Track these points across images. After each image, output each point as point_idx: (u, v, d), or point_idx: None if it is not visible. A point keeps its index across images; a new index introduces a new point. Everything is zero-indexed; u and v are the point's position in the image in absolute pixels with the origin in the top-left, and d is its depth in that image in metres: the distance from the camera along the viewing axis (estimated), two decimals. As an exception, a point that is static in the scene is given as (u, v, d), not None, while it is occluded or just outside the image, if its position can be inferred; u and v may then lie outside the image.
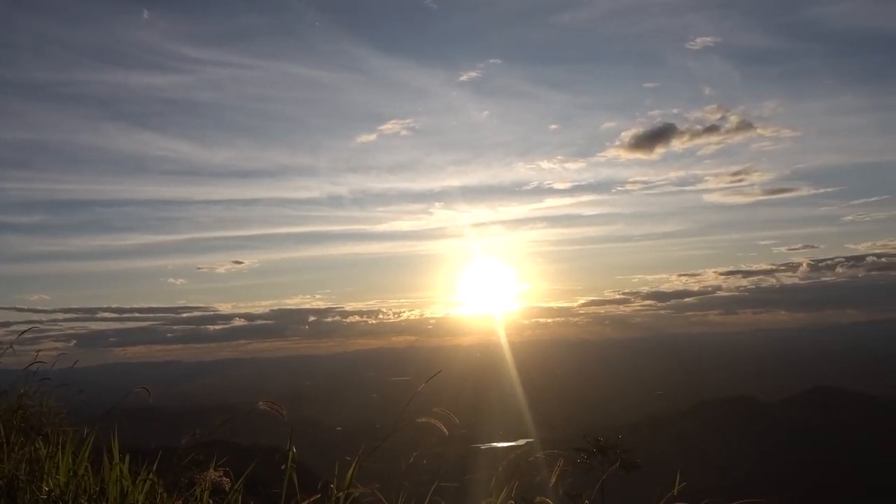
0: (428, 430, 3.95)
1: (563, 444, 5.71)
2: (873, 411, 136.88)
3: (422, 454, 4.40)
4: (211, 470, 3.77)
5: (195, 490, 3.77)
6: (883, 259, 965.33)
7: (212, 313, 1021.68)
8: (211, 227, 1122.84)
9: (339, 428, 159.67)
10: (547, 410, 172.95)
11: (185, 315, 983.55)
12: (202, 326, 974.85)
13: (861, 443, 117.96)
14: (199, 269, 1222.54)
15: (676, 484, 3.64)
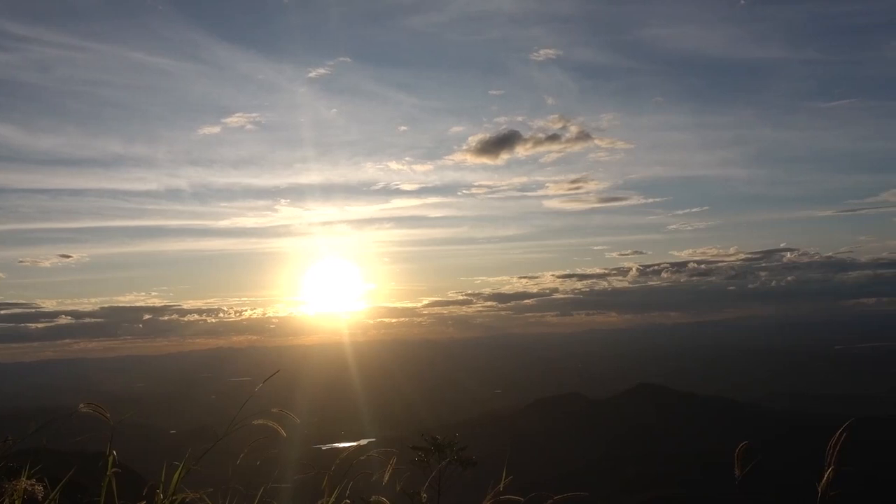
0: (265, 431, 3.86)
1: (404, 443, 5.75)
2: (693, 406, 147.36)
3: (253, 456, 4.28)
4: (23, 478, 3.49)
5: (4, 500, 3.48)
6: (702, 266, 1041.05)
7: (34, 310, 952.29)
8: (35, 218, 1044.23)
9: (172, 431, 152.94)
10: (390, 410, 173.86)
11: (2, 312, 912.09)
12: (22, 325, 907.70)
13: (682, 435, 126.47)
14: (20, 262, 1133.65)
15: (503, 478, 3.75)
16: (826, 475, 3.32)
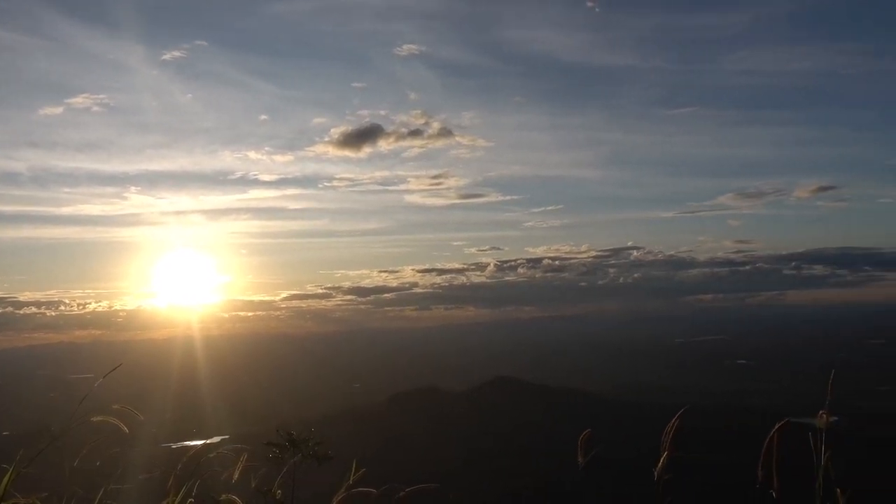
0: (107, 430, 3.67)
1: (260, 440, 5.63)
2: (547, 399, 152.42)
3: (94, 456, 4.06)
4: None
5: None
6: (556, 262, 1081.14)
7: None
8: None
9: (6, 432, 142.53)
10: (246, 406, 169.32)
11: None
12: None
13: (537, 426, 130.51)
14: None
15: (353, 472, 3.76)
16: (661, 460, 3.53)
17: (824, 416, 3.64)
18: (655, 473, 3.54)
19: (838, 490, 3.64)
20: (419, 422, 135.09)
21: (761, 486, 3.46)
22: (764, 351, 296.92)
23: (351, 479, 3.78)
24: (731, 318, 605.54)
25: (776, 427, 3.45)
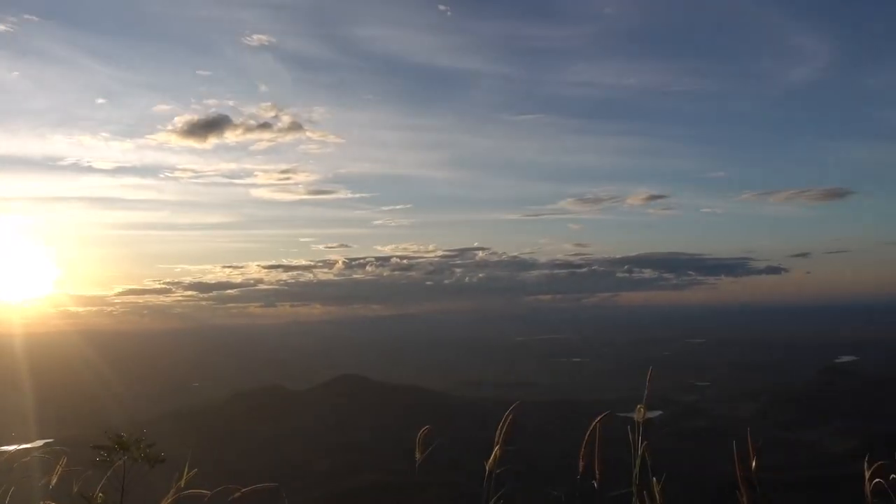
0: None
1: (87, 442, 5.33)
2: (390, 396, 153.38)
3: None
4: None
5: None
6: (404, 261, 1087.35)
7: None
8: None
9: None
10: (73, 407, 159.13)
11: None
12: None
13: (380, 424, 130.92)
14: None
15: (184, 473, 3.66)
16: (494, 454, 3.68)
17: (641, 409, 3.92)
18: (487, 467, 3.68)
19: (654, 478, 3.92)
20: (260, 421, 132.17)
21: (583, 476, 3.67)
22: (597, 349, 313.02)
23: (182, 480, 3.66)
24: (569, 317, 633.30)
25: (597, 420, 3.68)
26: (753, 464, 4.03)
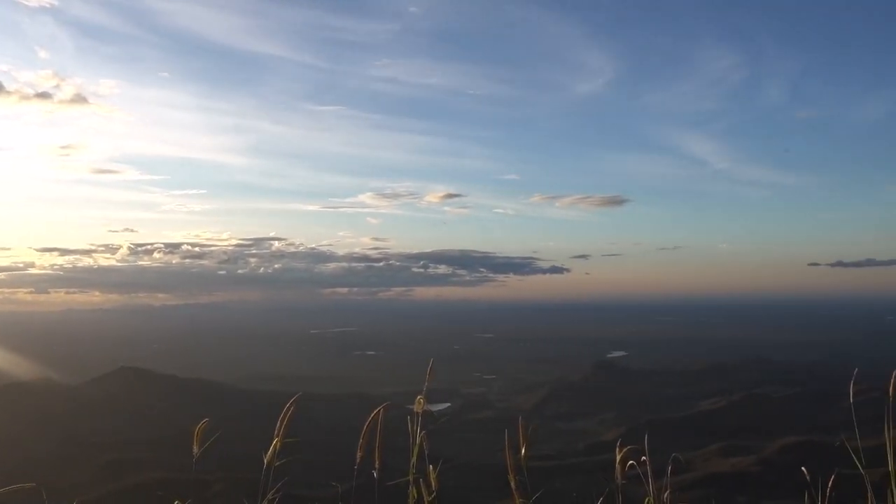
0: None
1: None
2: (176, 389, 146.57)
3: None
4: None
5: None
6: (196, 248, 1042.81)
7: None
8: None
9: None
10: None
11: None
12: None
13: (163, 418, 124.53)
14: None
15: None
16: (273, 446, 3.66)
17: (421, 400, 4.06)
18: (265, 459, 3.66)
19: (430, 466, 4.07)
20: (23, 417, 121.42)
21: (360, 466, 3.74)
22: (391, 342, 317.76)
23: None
24: (364, 310, 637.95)
25: (376, 411, 3.77)
26: (523, 451, 4.30)
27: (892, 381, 4.20)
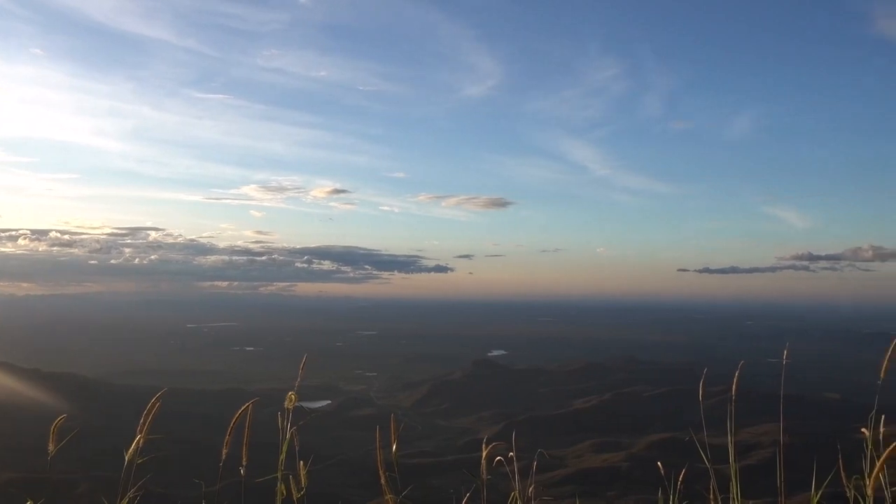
0: None
1: None
2: (39, 384, 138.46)
3: None
4: None
5: None
6: (66, 236, 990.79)
7: None
8: None
9: None
10: None
11: None
12: None
13: (26, 414, 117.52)
14: None
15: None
16: (135, 442, 3.56)
17: (292, 396, 4.05)
18: (126, 457, 3.56)
19: (301, 462, 4.07)
20: None
21: (227, 463, 3.70)
22: (271, 338, 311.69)
23: None
24: (245, 305, 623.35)
25: (244, 407, 3.74)
26: (394, 448, 4.35)
27: (734, 382, 4.52)
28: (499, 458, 4.82)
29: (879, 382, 3.78)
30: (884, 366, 3.76)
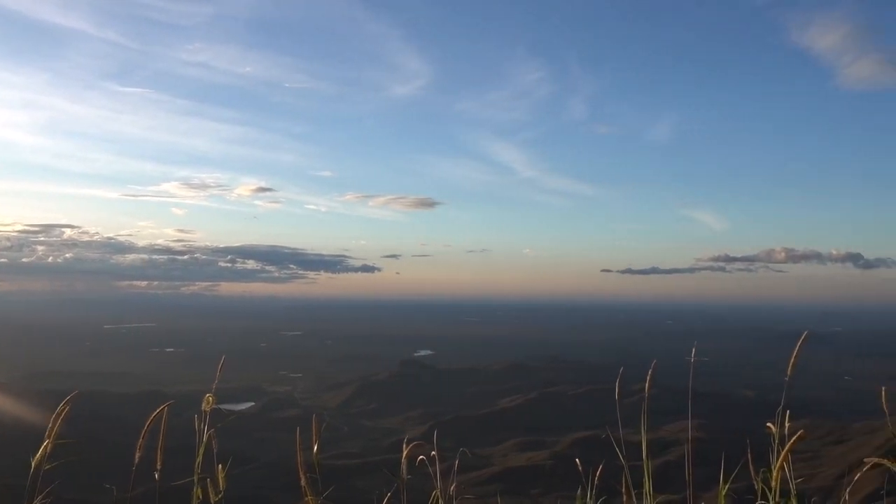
0: None
1: None
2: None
3: None
4: None
5: None
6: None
7: None
8: None
9: None
10: None
11: None
12: None
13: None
14: None
15: None
16: (43, 448, 3.45)
17: (210, 398, 3.98)
18: (33, 462, 3.44)
19: (219, 465, 4.00)
20: None
21: (141, 467, 3.62)
22: (193, 339, 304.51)
23: None
24: (165, 305, 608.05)
25: (158, 409, 3.66)
26: (315, 448, 4.33)
27: (647, 381, 4.66)
28: (421, 457, 4.84)
29: (787, 379, 3.94)
30: (791, 362, 3.93)
